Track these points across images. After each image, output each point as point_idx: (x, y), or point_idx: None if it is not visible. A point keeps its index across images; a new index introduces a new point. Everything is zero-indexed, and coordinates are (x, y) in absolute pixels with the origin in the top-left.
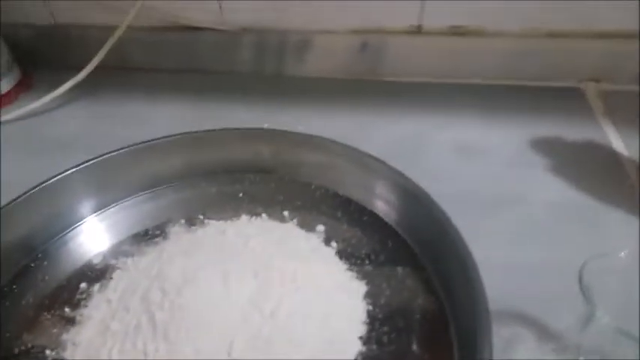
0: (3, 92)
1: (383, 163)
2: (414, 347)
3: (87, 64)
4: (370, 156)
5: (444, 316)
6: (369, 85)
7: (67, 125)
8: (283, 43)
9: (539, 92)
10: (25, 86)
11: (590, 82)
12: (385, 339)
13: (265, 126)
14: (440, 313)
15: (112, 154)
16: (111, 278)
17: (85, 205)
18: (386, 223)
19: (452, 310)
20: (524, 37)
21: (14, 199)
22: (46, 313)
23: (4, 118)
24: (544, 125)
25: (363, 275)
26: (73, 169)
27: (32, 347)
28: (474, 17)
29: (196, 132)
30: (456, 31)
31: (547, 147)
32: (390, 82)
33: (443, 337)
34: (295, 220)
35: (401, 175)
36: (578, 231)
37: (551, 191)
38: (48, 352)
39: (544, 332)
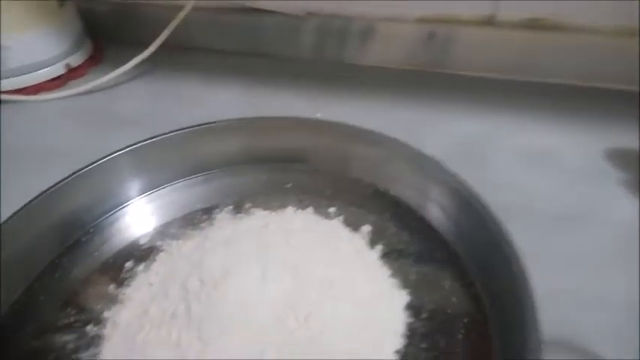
0: (74, 65)
1: (440, 165)
2: None
3: (154, 42)
4: (427, 156)
5: (490, 339)
6: (434, 77)
7: (130, 103)
8: (346, 30)
9: (622, 97)
10: (95, 60)
11: None
12: (423, 356)
13: (318, 115)
14: (486, 335)
15: (164, 136)
16: (155, 260)
17: (136, 185)
18: (436, 231)
19: (499, 334)
20: (611, 35)
21: (73, 174)
22: (91, 289)
23: (73, 91)
24: (625, 135)
25: (406, 284)
26: (125, 150)
27: (75, 321)
28: (554, 9)
29: (248, 118)
30: (534, 24)
31: (626, 160)
32: (457, 75)
33: None
34: (341, 218)
35: (458, 180)
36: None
37: (625, 210)
38: (89, 327)
39: None
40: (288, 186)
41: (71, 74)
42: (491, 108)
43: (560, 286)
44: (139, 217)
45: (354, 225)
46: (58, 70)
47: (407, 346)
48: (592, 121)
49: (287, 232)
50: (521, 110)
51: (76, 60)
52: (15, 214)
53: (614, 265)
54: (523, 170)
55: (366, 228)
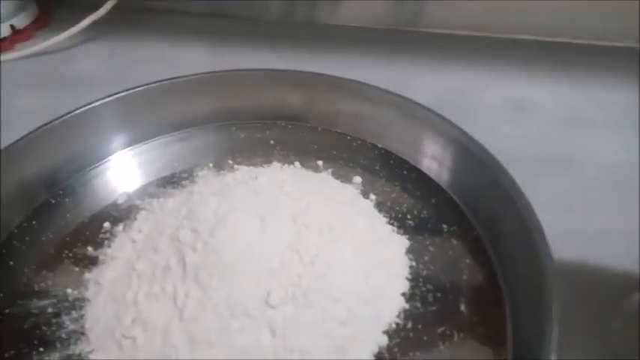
0: (19, 28)
1: (429, 110)
2: (462, 308)
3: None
4: (415, 103)
5: (495, 277)
6: (409, 35)
7: (86, 64)
8: None
9: (593, 51)
10: (42, 23)
11: None
12: (430, 297)
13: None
14: (490, 274)
15: (133, 91)
16: (135, 219)
17: (110, 144)
18: (430, 178)
19: (504, 272)
20: None
21: (33, 131)
22: (67, 252)
23: (21, 54)
24: (598, 84)
25: (405, 230)
26: (91, 105)
27: (53, 285)
28: None
29: (227, 71)
30: None
31: (601, 106)
32: (431, 33)
33: (494, 300)
34: (330, 171)
35: (450, 124)
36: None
37: (608, 152)
38: (69, 290)
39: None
40: (271, 142)
41: (16, 37)
42: (469, 63)
43: (551, 227)
44: (112, 177)
45: (344, 177)
46: (2, 31)
47: (412, 287)
48: (567, 73)
49: (279, 182)
50: (498, 65)
51: (21, 21)
52: None
53: (602, 206)
54: (506, 120)
55: (357, 179)
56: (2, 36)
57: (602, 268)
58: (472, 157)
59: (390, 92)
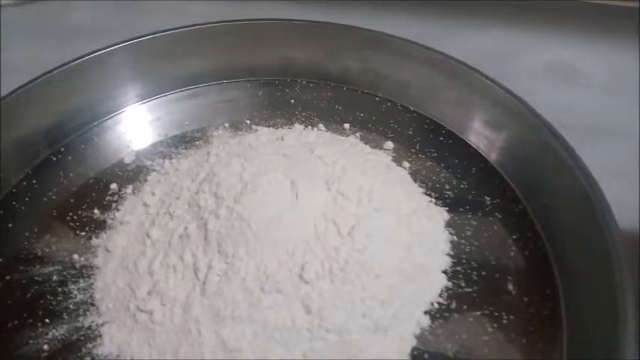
0: None
1: (470, 68)
2: (510, 287)
3: None
4: (455, 60)
5: (547, 254)
6: None
7: (93, 14)
8: None
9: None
10: None
11: None
12: (474, 275)
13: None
14: (540, 251)
15: (149, 36)
16: (145, 181)
17: (117, 97)
18: (469, 146)
19: (556, 250)
20: None
21: (32, 80)
22: (71, 214)
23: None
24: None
25: (444, 202)
26: (105, 50)
27: (57, 250)
28: None
29: (245, 20)
30: None
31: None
32: None
33: (545, 279)
34: (358, 135)
35: (494, 83)
36: None
37: None
38: (76, 257)
39: None
40: (292, 102)
41: None
42: (509, 25)
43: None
44: (118, 134)
45: (374, 142)
46: None
47: (454, 264)
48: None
49: (307, 144)
50: (541, 26)
51: None
52: None
53: None
54: (550, 86)
55: (389, 145)
56: None
57: None
58: (520, 120)
59: (427, 47)
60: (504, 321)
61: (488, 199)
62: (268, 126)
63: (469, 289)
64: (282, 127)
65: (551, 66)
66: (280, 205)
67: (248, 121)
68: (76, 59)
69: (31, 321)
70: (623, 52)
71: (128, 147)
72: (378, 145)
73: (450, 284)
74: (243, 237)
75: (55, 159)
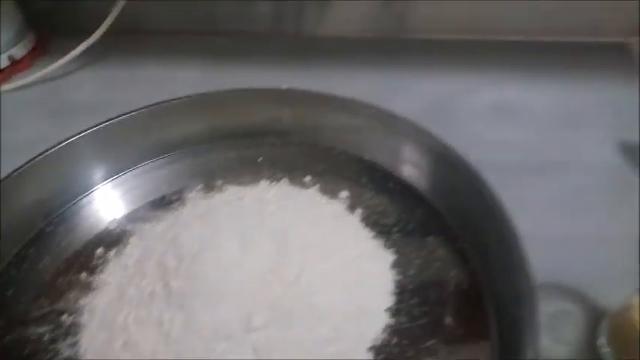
0: (17, 58)
1: (411, 123)
2: (448, 320)
3: (99, 28)
4: (397, 116)
5: (480, 288)
6: (395, 43)
7: (84, 90)
8: (302, 2)
9: (581, 49)
10: (40, 51)
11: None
12: (416, 311)
13: (284, 87)
14: (475, 285)
15: (122, 117)
16: (127, 244)
17: (98, 171)
18: (415, 190)
19: (489, 283)
20: None
21: (26, 163)
22: (63, 278)
23: (21, 82)
24: (588, 84)
25: (391, 244)
26: (83, 134)
27: (49, 312)
28: None
29: (211, 93)
30: None
31: (592, 107)
32: (418, 39)
33: (479, 311)
34: (317, 186)
35: (431, 136)
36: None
37: (600, 156)
38: (65, 317)
39: (593, 309)
40: (259, 160)
41: (16, 67)
42: (456, 68)
43: (543, 233)
44: (104, 203)
45: (331, 192)
46: (1, 62)
47: (398, 302)
48: (557, 73)
49: (264, 202)
50: (486, 68)
51: (18, 53)
52: None
53: (595, 210)
54: (494, 126)
55: (344, 194)
56: (1, 67)
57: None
58: (452, 167)
59: (371, 106)
60: (442, 353)
61: (431, 238)
62: (237, 184)
63: (411, 325)
64: (249, 184)
65: (494, 104)
66: (231, 261)
67: (220, 181)
68: (53, 146)
69: None
70: (569, 89)
71: (112, 215)
72: (334, 195)
73: (392, 321)
74: (199, 292)
75: (49, 230)
